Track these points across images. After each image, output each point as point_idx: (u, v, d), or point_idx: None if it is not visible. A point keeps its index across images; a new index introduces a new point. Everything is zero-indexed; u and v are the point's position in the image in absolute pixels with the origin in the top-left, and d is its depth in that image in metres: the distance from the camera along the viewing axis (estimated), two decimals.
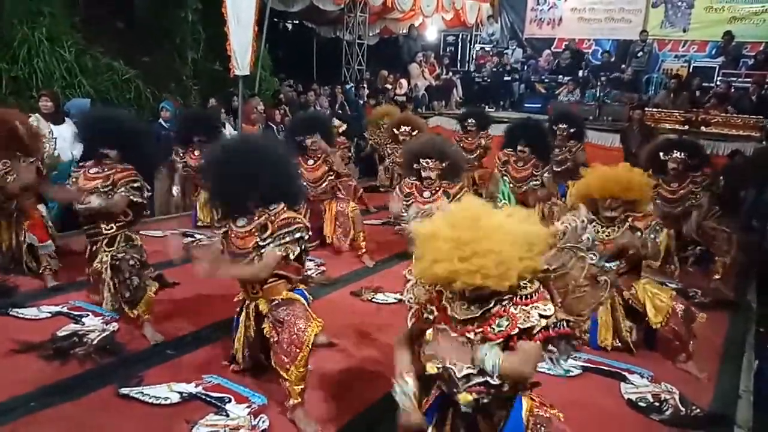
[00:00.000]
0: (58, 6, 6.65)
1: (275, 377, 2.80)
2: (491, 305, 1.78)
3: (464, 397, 1.80)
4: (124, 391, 2.87)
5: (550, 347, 1.82)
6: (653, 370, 3.32)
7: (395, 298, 4.30)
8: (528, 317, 1.75)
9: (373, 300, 4.28)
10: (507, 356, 1.74)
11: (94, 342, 3.34)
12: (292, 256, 2.73)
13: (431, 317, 1.88)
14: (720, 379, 3.35)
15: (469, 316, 1.79)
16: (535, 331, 1.76)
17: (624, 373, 3.29)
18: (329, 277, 4.70)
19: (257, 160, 2.68)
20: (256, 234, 2.71)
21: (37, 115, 4.85)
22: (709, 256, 5.12)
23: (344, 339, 3.60)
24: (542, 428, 1.84)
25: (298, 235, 2.72)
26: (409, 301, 1.96)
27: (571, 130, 6.68)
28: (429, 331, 1.91)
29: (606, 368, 3.35)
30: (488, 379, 1.74)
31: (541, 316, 1.75)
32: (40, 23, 6.32)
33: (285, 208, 2.75)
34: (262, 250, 2.70)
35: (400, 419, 1.93)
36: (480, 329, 1.78)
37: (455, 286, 1.71)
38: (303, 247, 2.79)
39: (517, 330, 1.75)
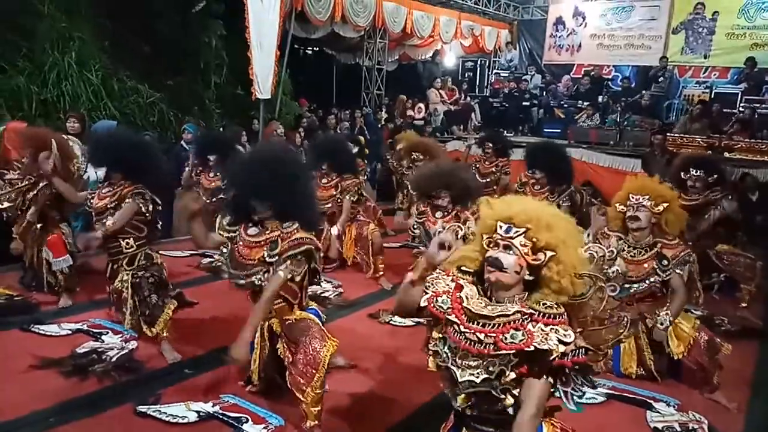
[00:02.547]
0: (87, 31, 6.87)
1: (291, 398, 2.78)
2: (509, 312, 1.71)
3: (462, 400, 1.75)
4: (142, 409, 2.87)
5: (564, 380, 1.74)
6: (680, 399, 3.23)
7: (413, 321, 4.23)
8: (546, 338, 1.65)
9: (391, 322, 4.23)
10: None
11: (113, 359, 3.36)
12: (297, 279, 2.72)
13: (444, 307, 1.80)
14: (751, 408, 3.24)
15: (483, 313, 1.73)
16: (551, 357, 1.65)
17: (649, 401, 3.20)
18: (346, 299, 4.68)
19: (282, 169, 2.70)
20: (266, 248, 2.70)
21: (71, 136, 4.97)
22: (734, 283, 5.01)
23: (362, 361, 3.56)
24: None
25: (308, 255, 2.71)
26: (426, 288, 1.86)
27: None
28: (437, 327, 1.85)
29: (630, 396, 3.26)
30: (489, 389, 1.69)
31: (560, 341, 1.64)
32: (70, 48, 6.53)
33: (298, 229, 2.74)
34: (268, 266, 2.69)
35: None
36: (492, 334, 1.70)
37: (515, 230, 1.73)
38: (312, 267, 2.79)
39: (532, 348, 1.65)
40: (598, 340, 1.77)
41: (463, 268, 1.86)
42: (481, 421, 1.80)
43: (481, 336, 1.72)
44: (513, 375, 1.68)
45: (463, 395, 1.75)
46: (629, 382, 3.41)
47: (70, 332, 3.73)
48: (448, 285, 1.85)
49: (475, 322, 1.74)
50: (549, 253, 1.68)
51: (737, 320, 4.49)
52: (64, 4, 6.73)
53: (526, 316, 1.70)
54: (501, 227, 1.74)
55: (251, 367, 3.05)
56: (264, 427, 2.77)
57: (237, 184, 2.80)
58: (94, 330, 3.76)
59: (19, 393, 2.98)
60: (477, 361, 1.73)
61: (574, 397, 1.74)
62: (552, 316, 1.69)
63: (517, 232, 1.71)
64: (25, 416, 2.77)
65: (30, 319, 3.90)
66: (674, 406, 3.15)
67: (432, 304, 1.82)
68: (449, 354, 1.79)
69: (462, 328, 1.75)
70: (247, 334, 2.63)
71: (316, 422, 2.65)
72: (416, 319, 4.15)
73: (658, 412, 3.10)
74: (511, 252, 1.71)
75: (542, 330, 1.67)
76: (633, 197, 3.37)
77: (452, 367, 1.75)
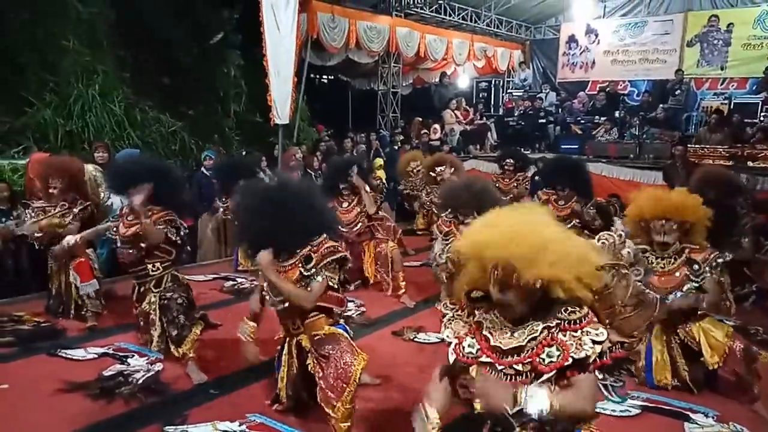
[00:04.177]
0: (110, 64, 7.07)
1: (320, 416, 2.74)
2: (538, 333, 1.67)
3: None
4: (169, 429, 2.86)
5: (605, 375, 1.71)
6: (718, 410, 3.11)
7: (437, 338, 4.19)
8: (581, 345, 1.62)
9: (415, 339, 4.19)
10: (562, 396, 1.61)
11: (139, 381, 3.36)
12: (335, 285, 2.71)
13: (473, 351, 1.77)
14: None
15: (514, 345, 1.69)
16: (590, 361, 1.63)
17: (686, 412, 3.09)
18: (369, 317, 4.65)
19: (293, 200, 2.69)
20: (300, 266, 2.70)
21: (95, 165, 5.07)
22: (766, 293, 4.86)
23: (387, 379, 3.51)
24: None
25: (341, 262, 2.71)
26: (447, 336, 1.85)
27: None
28: (473, 368, 1.80)
29: (667, 407, 3.15)
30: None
31: (594, 342, 1.62)
32: (94, 81, 6.73)
33: (326, 239, 2.75)
34: (307, 280, 2.68)
35: None
36: (528, 359, 1.67)
37: (502, 266, 1.61)
38: (343, 277, 2.78)
39: (570, 361, 1.62)
40: (631, 327, 1.73)
41: (473, 295, 1.84)
42: None
43: (518, 367, 1.69)
44: (558, 389, 1.65)
45: (518, 428, 1.68)
46: (664, 394, 3.29)
47: (96, 356, 3.75)
48: (465, 322, 1.83)
49: (509, 356, 1.71)
50: (543, 282, 1.62)
51: None
52: (87, 39, 6.96)
53: (554, 328, 1.67)
54: (492, 270, 1.68)
55: (279, 385, 3.03)
56: None
57: (250, 235, 2.78)
58: (120, 353, 3.77)
59: (46, 416, 2.99)
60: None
61: (616, 390, 1.70)
62: (578, 320, 1.66)
63: (505, 271, 1.64)
64: None
65: (57, 344, 3.94)
66: (713, 418, 3.03)
67: (460, 354, 1.79)
68: None
69: (498, 366, 1.73)
70: (276, 279, 2.64)
71: None
72: (441, 336, 4.11)
73: (697, 423, 2.98)
74: (509, 289, 1.67)
75: (573, 336, 1.64)
76: (657, 222, 3.23)
77: (498, 378, 1.71)
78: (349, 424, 2.60)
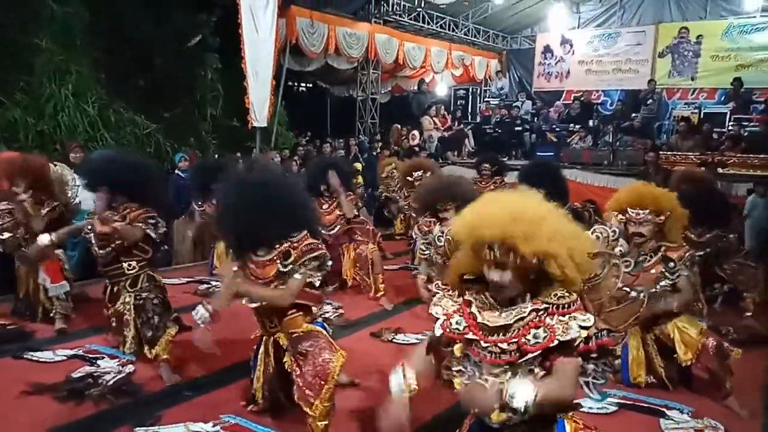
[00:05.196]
0: (84, 64, 6.95)
1: (296, 417, 2.70)
2: (526, 314, 1.68)
3: (497, 416, 1.66)
4: (140, 430, 2.77)
5: (586, 367, 1.71)
6: (693, 406, 3.15)
7: (416, 339, 4.18)
8: (567, 329, 1.63)
9: (394, 340, 4.17)
10: (544, 385, 1.61)
11: (110, 383, 3.26)
12: (317, 283, 2.67)
13: (460, 327, 1.78)
14: (767, 413, 3.16)
15: (501, 323, 1.70)
16: (576, 344, 1.64)
17: (662, 409, 3.12)
18: (347, 319, 4.60)
19: (275, 194, 2.64)
20: (278, 261, 2.65)
21: (61, 163, 4.93)
22: (737, 293, 4.96)
23: (366, 379, 3.47)
24: None
25: (322, 260, 2.67)
26: (436, 313, 1.85)
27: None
28: (457, 346, 1.81)
29: (643, 404, 3.18)
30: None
31: (581, 327, 1.63)
32: (66, 80, 6.60)
33: (307, 235, 2.71)
34: (284, 278, 2.63)
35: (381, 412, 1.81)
36: (514, 339, 1.67)
37: (500, 244, 1.61)
38: (323, 276, 2.74)
39: (556, 342, 1.63)
40: (616, 321, 1.74)
41: (466, 276, 1.84)
42: None
43: (504, 345, 1.70)
44: (542, 372, 1.66)
45: (496, 411, 1.66)
46: (640, 391, 3.33)
47: (65, 358, 3.63)
48: (455, 302, 1.83)
49: (495, 334, 1.72)
50: (541, 256, 1.63)
51: (743, 329, 4.42)
52: (60, 39, 6.83)
53: (542, 312, 1.67)
54: (489, 249, 1.66)
55: (254, 386, 2.97)
56: None
57: (230, 228, 2.72)
58: (90, 355, 3.66)
59: (11, 419, 2.88)
60: (503, 368, 1.70)
61: (596, 387, 1.70)
62: (567, 305, 1.67)
63: (503, 249, 1.64)
64: None
65: (23, 346, 3.80)
66: (688, 413, 3.07)
67: (447, 330, 1.80)
68: (475, 370, 1.75)
69: (483, 344, 1.73)
70: (246, 289, 2.61)
71: None
72: (420, 337, 4.07)
73: (672, 419, 3.02)
74: (506, 269, 1.66)
75: (561, 321, 1.65)
76: (632, 211, 3.29)
77: (481, 382, 1.71)
78: (327, 422, 2.56)
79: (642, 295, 3.11)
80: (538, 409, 1.59)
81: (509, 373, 1.69)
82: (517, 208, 1.65)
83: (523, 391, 1.57)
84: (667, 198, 3.33)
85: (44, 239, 3.99)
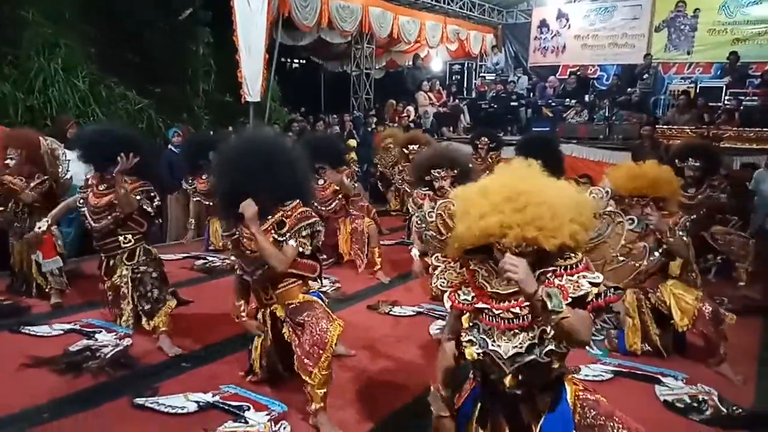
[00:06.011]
0: (74, 38, 6.80)
1: (295, 387, 2.72)
2: (535, 278, 1.65)
3: (510, 380, 1.71)
4: (139, 401, 2.79)
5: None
6: (687, 373, 3.19)
7: (413, 311, 4.20)
8: (578, 286, 1.63)
9: (390, 313, 4.18)
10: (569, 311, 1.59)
11: (108, 356, 3.27)
12: (307, 252, 2.66)
13: (469, 299, 1.77)
14: (760, 379, 3.21)
15: (512, 290, 1.68)
16: (587, 300, 1.65)
17: (657, 376, 3.16)
18: (344, 293, 4.61)
19: (274, 156, 2.61)
20: (273, 231, 2.63)
21: (51, 138, 4.86)
22: (729, 264, 5.00)
23: (362, 350, 3.50)
24: (591, 411, 1.74)
25: (315, 228, 2.65)
26: (441, 285, 1.84)
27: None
28: (465, 317, 1.82)
29: (638, 372, 3.22)
30: (535, 356, 1.66)
31: (591, 283, 1.63)
32: (56, 54, 6.46)
33: (300, 204, 2.68)
34: (279, 246, 2.61)
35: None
36: (527, 303, 1.66)
37: (506, 241, 1.59)
38: (317, 243, 2.73)
39: (569, 300, 1.62)
40: (620, 277, 1.75)
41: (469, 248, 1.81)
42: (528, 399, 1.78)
43: (516, 310, 1.70)
44: (553, 332, 1.66)
45: (510, 375, 1.71)
46: (635, 359, 3.37)
47: (62, 332, 3.63)
48: (459, 273, 1.83)
49: (506, 301, 1.72)
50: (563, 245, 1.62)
51: (737, 299, 4.46)
52: (48, 12, 6.68)
53: (551, 274, 1.67)
54: (499, 242, 1.64)
55: (252, 356, 2.99)
56: (266, 414, 2.68)
57: (225, 187, 2.67)
58: (87, 329, 3.66)
59: (9, 392, 2.88)
60: (514, 331, 1.71)
61: (596, 342, 1.72)
62: (574, 265, 1.66)
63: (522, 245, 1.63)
64: (17, 413, 2.68)
65: (20, 321, 3.80)
66: (682, 380, 3.11)
67: (456, 302, 1.80)
68: (485, 338, 1.75)
69: (494, 311, 1.73)
70: (257, 232, 2.53)
71: (322, 405, 2.58)
72: (417, 309, 4.07)
73: (667, 386, 3.05)
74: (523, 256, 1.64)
75: (570, 280, 1.65)
76: (634, 201, 3.22)
77: (494, 348, 1.71)
78: (325, 390, 2.58)
79: (644, 248, 3.10)
80: (558, 331, 1.60)
81: (521, 336, 1.69)
82: (534, 205, 1.58)
83: (558, 294, 1.57)
84: (666, 180, 3.26)
85: (43, 225, 3.91)
